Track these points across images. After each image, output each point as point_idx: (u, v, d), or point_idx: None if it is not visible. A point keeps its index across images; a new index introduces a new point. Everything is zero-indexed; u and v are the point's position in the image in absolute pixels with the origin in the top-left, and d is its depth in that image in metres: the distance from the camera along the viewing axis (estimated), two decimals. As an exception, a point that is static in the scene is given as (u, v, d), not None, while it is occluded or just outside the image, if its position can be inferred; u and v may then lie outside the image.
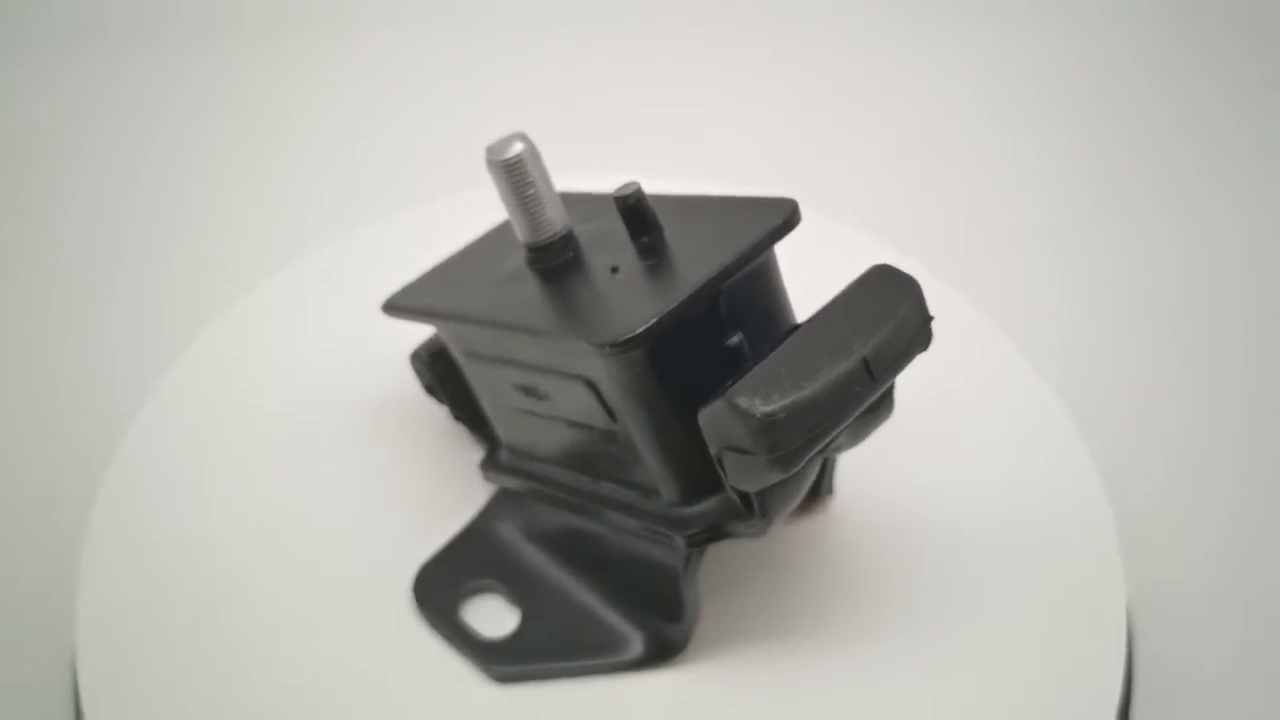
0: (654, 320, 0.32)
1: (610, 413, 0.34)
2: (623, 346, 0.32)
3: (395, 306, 0.41)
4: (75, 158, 0.65)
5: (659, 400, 0.33)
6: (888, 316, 0.32)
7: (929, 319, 0.33)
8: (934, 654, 0.38)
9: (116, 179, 0.64)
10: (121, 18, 0.73)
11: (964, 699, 0.37)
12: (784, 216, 0.34)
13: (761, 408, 0.30)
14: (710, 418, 0.32)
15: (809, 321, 0.32)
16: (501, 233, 0.42)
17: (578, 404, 0.35)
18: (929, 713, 0.37)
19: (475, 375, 0.40)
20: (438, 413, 0.43)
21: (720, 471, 0.32)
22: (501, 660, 0.38)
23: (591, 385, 0.34)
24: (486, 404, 0.40)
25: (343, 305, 0.46)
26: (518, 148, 0.36)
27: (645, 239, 0.36)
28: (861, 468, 0.41)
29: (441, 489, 0.43)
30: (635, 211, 0.36)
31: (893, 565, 0.40)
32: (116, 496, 0.43)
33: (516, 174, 0.36)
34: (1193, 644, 0.44)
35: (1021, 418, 0.44)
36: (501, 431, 0.41)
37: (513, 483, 0.41)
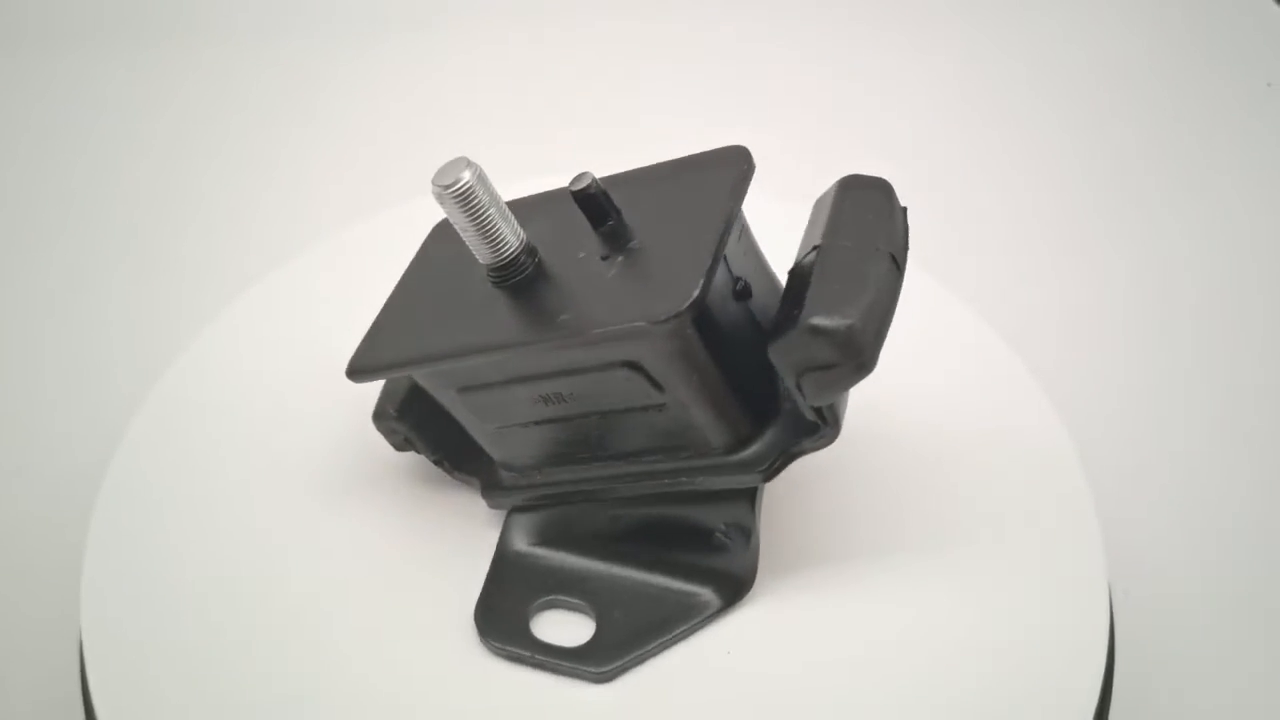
0: (702, 284, 0.33)
1: (657, 386, 0.36)
2: (683, 315, 0.33)
3: (366, 369, 0.39)
4: (58, 160, 0.65)
5: (704, 357, 0.35)
6: (886, 213, 0.35)
7: (904, 208, 0.36)
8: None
9: (97, 182, 0.64)
10: (92, 20, 0.73)
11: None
12: (743, 164, 0.36)
13: (841, 321, 0.33)
14: (786, 348, 0.33)
15: (826, 240, 0.35)
16: (431, 262, 0.41)
17: (616, 391, 0.36)
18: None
19: (473, 406, 0.39)
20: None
21: (797, 396, 0.34)
22: (598, 661, 0.38)
23: (635, 366, 0.35)
24: (486, 431, 0.40)
25: (341, 304, 0.45)
26: (464, 175, 0.36)
27: (610, 224, 0.37)
28: (851, 458, 0.42)
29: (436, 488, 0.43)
30: (594, 200, 0.37)
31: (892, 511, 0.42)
32: (113, 505, 0.43)
33: (466, 201, 0.36)
34: (1178, 637, 0.46)
35: (1007, 411, 0.46)
36: (503, 453, 0.41)
37: (526, 498, 0.41)
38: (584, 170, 0.37)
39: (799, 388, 0.34)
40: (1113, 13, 0.76)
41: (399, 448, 0.42)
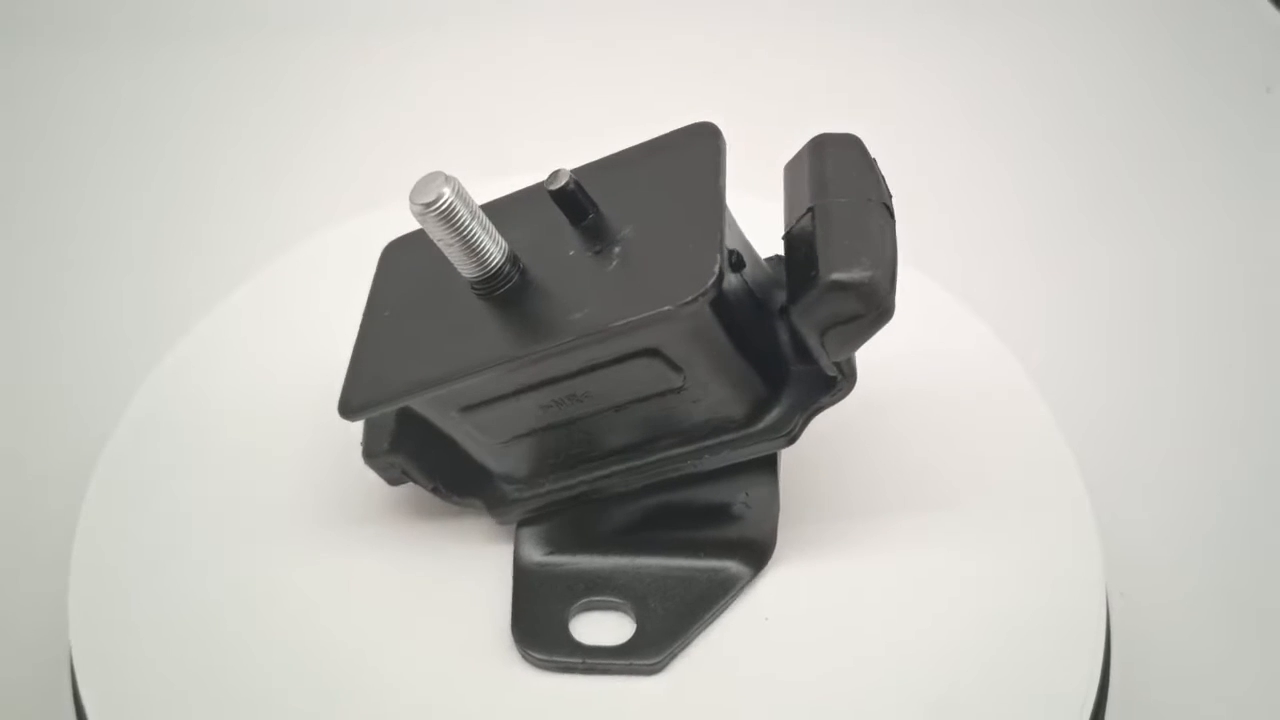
0: (719, 261, 0.33)
1: (676, 369, 0.36)
2: (707, 294, 0.33)
3: (362, 405, 0.37)
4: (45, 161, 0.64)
5: (719, 332, 0.35)
6: (866, 166, 0.36)
7: (874, 159, 0.37)
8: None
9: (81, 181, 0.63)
10: (87, 21, 0.72)
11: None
12: (715, 140, 0.37)
13: (861, 274, 0.33)
14: (809, 307, 0.34)
15: (819, 199, 0.35)
16: (396, 285, 0.40)
17: (634, 381, 0.36)
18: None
19: (478, 424, 0.38)
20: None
21: (819, 353, 0.35)
22: (647, 653, 0.38)
23: (654, 353, 0.35)
24: (490, 447, 0.39)
25: (335, 302, 0.44)
26: (445, 192, 0.35)
27: (590, 218, 0.37)
28: (847, 458, 0.43)
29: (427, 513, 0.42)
30: (572, 198, 0.36)
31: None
32: (103, 501, 0.43)
33: (449, 218, 0.35)
34: (1174, 642, 0.47)
35: (1003, 411, 0.46)
36: (509, 466, 0.40)
37: (537, 506, 0.40)
38: (557, 168, 0.37)
39: (822, 345, 0.35)
40: (1111, 15, 0.76)
41: (394, 482, 0.40)
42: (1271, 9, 0.74)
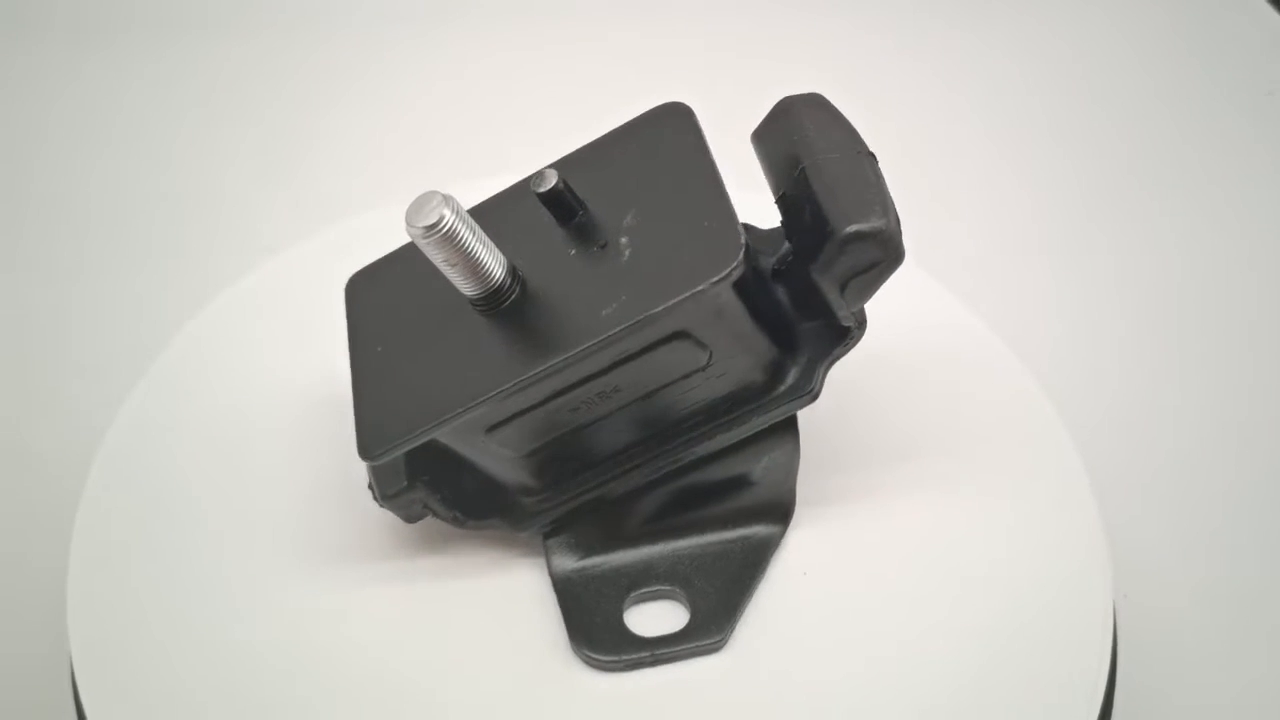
0: (743, 235, 0.34)
1: (703, 346, 0.36)
2: (738, 267, 0.34)
3: (386, 443, 0.36)
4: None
5: (738, 302, 0.36)
6: (840, 120, 0.37)
7: None
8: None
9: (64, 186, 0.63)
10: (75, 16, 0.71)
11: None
12: (688, 117, 0.37)
13: (876, 222, 0.34)
14: (828, 262, 0.35)
15: (809, 159, 0.36)
16: (380, 315, 0.39)
17: (666, 365, 0.36)
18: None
19: (503, 440, 0.37)
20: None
21: (839, 304, 0.36)
22: (709, 632, 0.38)
23: (683, 334, 0.35)
24: (512, 460, 0.38)
25: (332, 301, 0.42)
26: (446, 214, 0.34)
27: (579, 217, 0.36)
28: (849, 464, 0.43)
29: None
30: (561, 198, 0.36)
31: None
32: (101, 499, 0.42)
33: (452, 239, 0.34)
34: (1178, 644, 0.47)
35: (1009, 413, 0.45)
36: (531, 477, 0.39)
37: (561, 511, 0.40)
38: (541, 169, 0.36)
39: (843, 296, 0.36)
40: (1112, 17, 0.75)
41: (414, 519, 0.39)
42: (1273, 13, 0.73)
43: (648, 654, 0.38)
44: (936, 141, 0.67)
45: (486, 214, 0.38)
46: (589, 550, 0.40)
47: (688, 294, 0.34)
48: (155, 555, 0.41)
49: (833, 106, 0.38)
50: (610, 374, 0.36)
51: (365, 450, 0.36)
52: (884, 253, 0.35)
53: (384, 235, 0.40)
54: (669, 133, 0.37)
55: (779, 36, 0.72)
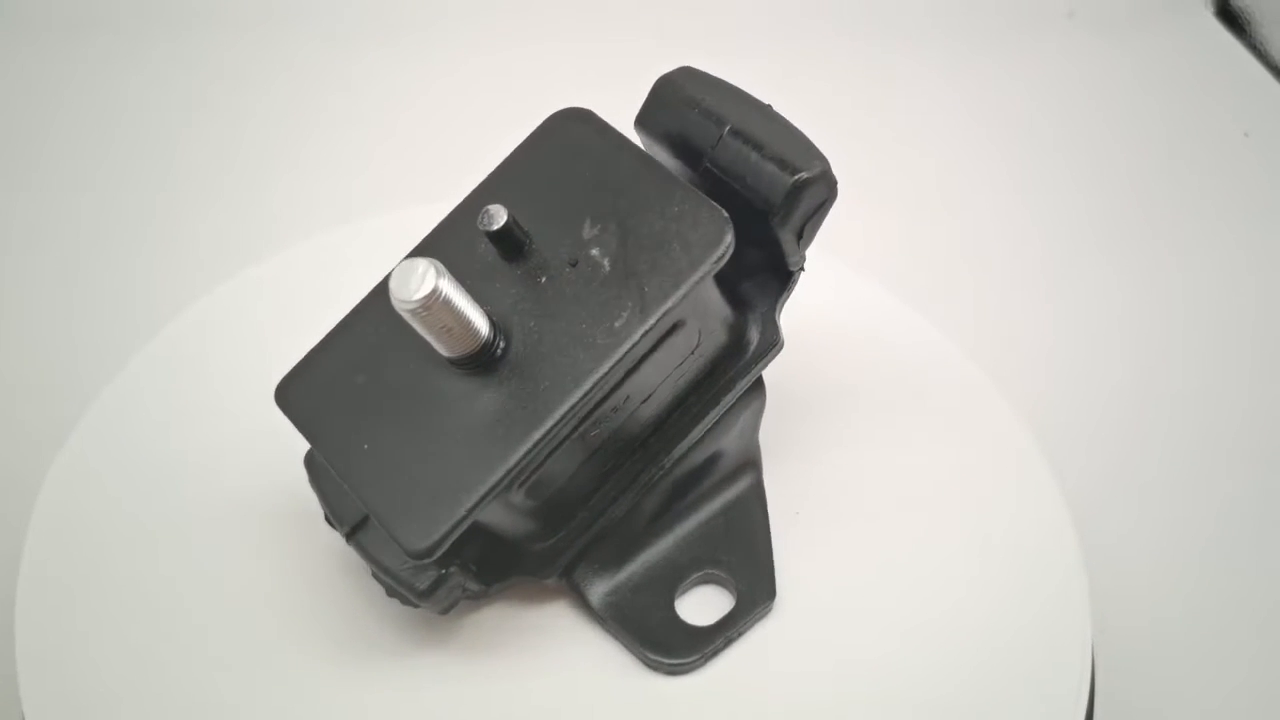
0: (724, 213, 0.35)
1: (694, 329, 0.37)
2: (731, 245, 0.35)
3: (437, 538, 0.34)
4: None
5: (713, 281, 0.37)
6: (720, 84, 0.38)
7: None
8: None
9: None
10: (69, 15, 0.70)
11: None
12: (590, 118, 0.38)
13: (818, 163, 0.36)
14: (787, 212, 0.37)
15: (726, 126, 0.37)
16: (342, 420, 0.36)
17: (667, 358, 0.37)
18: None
19: (532, 490, 0.37)
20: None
21: (794, 250, 0.38)
22: (760, 597, 0.40)
23: (682, 322, 0.36)
24: (528, 510, 0.37)
25: (306, 310, 0.42)
26: (438, 284, 0.33)
27: (530, 243, 0.36)
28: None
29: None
30: (510, 234, 0.36)
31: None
32: (53, 514, 0.41)
33: (445, 304, 0.33)
34: (1157, 665, 0.48)
35: (988, 440, 0.46)
36: (531, 527, 0.38)
37: (585, 541, 0.39)
38: (485, 207, 0.35)
39: (799, 239, 0.37)
40: (1093, 61, 0.77)
41: (449, 609, 0.37)
42: (1250, 58, 0.78)
43: (722, 639, 0.39)
44: (924, 176, 0.69)
45: (435, 242, 0.37)
46: (615, 567, 0.40)
47: (696, 277, 0.34)
48: (105, 588, 0.40)
49: (709, 74, 0.39)
50: (622, 386, 0.36)
51: (417, 554, 0.34)
52: (829, 190, 0.37)
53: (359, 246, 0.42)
54: (581, 136, 0.37)
55: (780, 47, 0.73)
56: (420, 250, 0.37)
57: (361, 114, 0.71)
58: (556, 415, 0.34)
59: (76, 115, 0.69)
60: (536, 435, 0.34)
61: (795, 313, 0.40)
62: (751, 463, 0.43)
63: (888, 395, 0.46)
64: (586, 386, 0.34)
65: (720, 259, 0.35)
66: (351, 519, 0.37)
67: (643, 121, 0.39)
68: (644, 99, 0.39)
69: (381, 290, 0.37)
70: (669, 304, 0.34)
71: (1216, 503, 0.54)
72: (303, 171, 0.67)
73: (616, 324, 0.35)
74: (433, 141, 0.63)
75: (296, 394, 0.37)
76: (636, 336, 0.34)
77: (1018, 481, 0.44)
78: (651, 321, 0.34)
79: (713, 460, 0.41)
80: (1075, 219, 0.67)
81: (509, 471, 0.34)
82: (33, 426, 0.52)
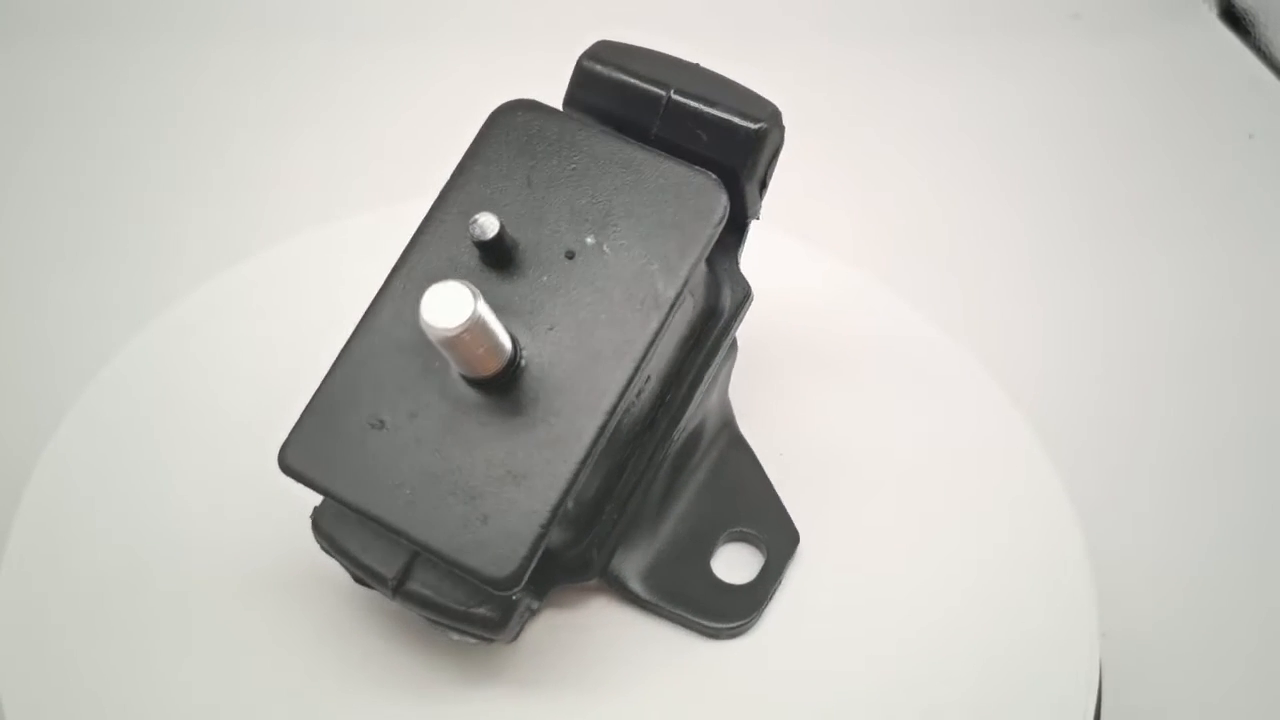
0: (713, 176, 0.35)
1: (693, 294, 0.36)
2: (726, 201, 0.35)
3: (520, 563, 0.32)
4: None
5: None
6: (641, 51, 0.37)
7: None
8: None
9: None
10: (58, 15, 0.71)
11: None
12: (532, 107, 0.36)
13: (769, 108, 0.36)
14: (755, 160, 0.36)
15: (664, 89, 0.36)
16: (364, 473, 0.33)
17: (677, 328, 0.36)
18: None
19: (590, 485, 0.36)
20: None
21: (755, 200, 0.37)
22: (786, 541, 0.40)
23: (690, 293, 0.36)
24: (568, 518, 0.36)
25: (293, 309, 0.43)
26: (480, 306, 0.30)
27: (518, 247, 0.35)
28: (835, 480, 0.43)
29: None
30: (501, 242, 0.34)
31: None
32: (39, 506, 0.40)
33: (480, 326, 0.31)
34: (1163, 676, 0.47)
35: (992, 442, 0.45)
36: (564, 534, 0.37)
37: (617, 537, 0.38)
38: (473, 218, 0.33)
39: (763, 188, 0.37)
40: (1094, 62, 0.75)
41: (517, 636, 0.36)
42: (1254, 59, 0.77)
43: (766, 592, 0.39)
44: (923, 177, 0.68)
45: (415, 269, 0.35)
46: (645, 551, 0.39)
47: (705, 241, 0.34)
48: (86, 588, 0.39)
49: (627, 44, 0.38)
50: (647, 362, 0.34)
51: (502, 574, 0.32)
52: (781, 134, 0.37)
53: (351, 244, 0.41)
54: (532, 125, 0.36)
55: (774, 49, 0.71)
56: (405, 270, 0.35)
57: (348, 111, 0.68)
58: (609, 404, 0.33)
59: (60, 113, 0.68)
60: (592, 431, 0.33)
61: (791, 307, 0.41)
62: (728, 419, 0.42)
63: (888, 393, 0.46)
64: (631, 370, 0.33)
65: (721, 220, 0.34)
66: (393, 571, 0.35)
67: (573, 103, 0.37)
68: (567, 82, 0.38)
69: (368, 327, 0.35)
70: (686, 272, 0.34)
71: (1216, 503, 0.54)
72: (290, 168, 0.64)
73: (641, 302, 0.34)
74: (419, 138, 0.59)
75: (303, 457, 0.34)
76: (665, 309, 0.34)
77: (1025, 483, 0.44)
78: (675, 290, 0.34)
79: (702, 424, 0.41)
80: (1078, 221, 0.66)
81: (575, 474, 0.33)
82: (16, 424, 0.50)
